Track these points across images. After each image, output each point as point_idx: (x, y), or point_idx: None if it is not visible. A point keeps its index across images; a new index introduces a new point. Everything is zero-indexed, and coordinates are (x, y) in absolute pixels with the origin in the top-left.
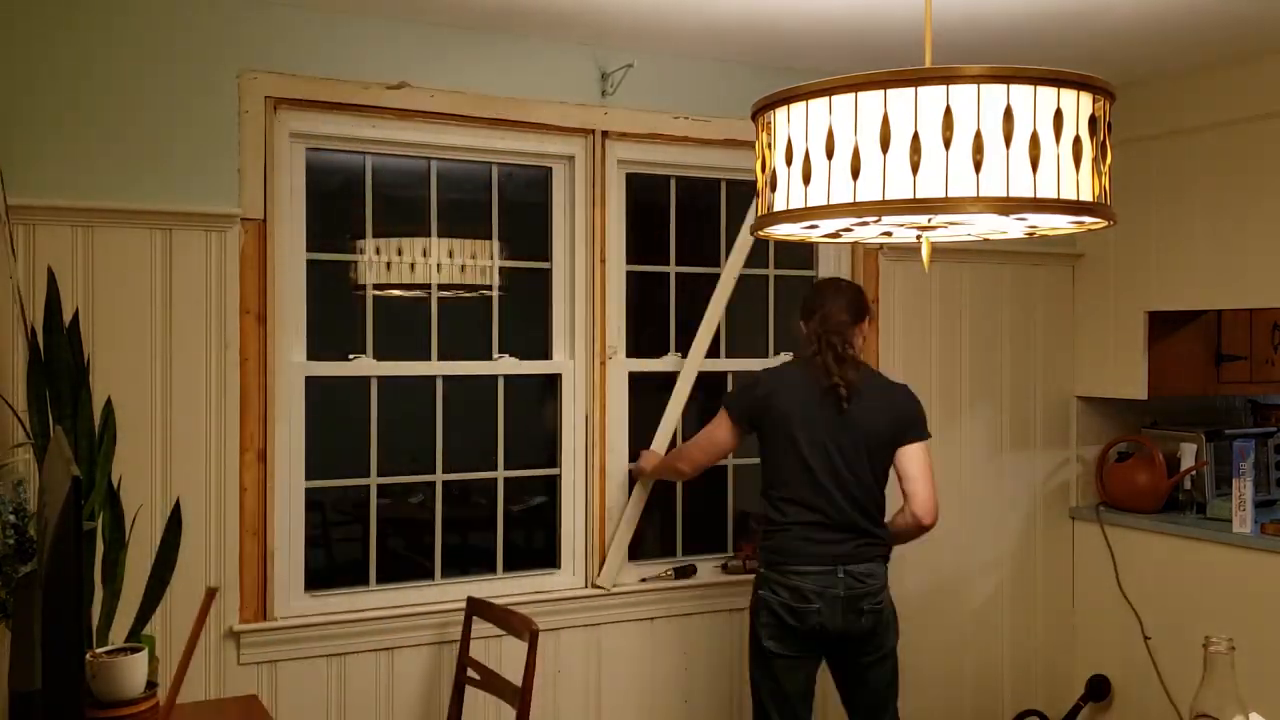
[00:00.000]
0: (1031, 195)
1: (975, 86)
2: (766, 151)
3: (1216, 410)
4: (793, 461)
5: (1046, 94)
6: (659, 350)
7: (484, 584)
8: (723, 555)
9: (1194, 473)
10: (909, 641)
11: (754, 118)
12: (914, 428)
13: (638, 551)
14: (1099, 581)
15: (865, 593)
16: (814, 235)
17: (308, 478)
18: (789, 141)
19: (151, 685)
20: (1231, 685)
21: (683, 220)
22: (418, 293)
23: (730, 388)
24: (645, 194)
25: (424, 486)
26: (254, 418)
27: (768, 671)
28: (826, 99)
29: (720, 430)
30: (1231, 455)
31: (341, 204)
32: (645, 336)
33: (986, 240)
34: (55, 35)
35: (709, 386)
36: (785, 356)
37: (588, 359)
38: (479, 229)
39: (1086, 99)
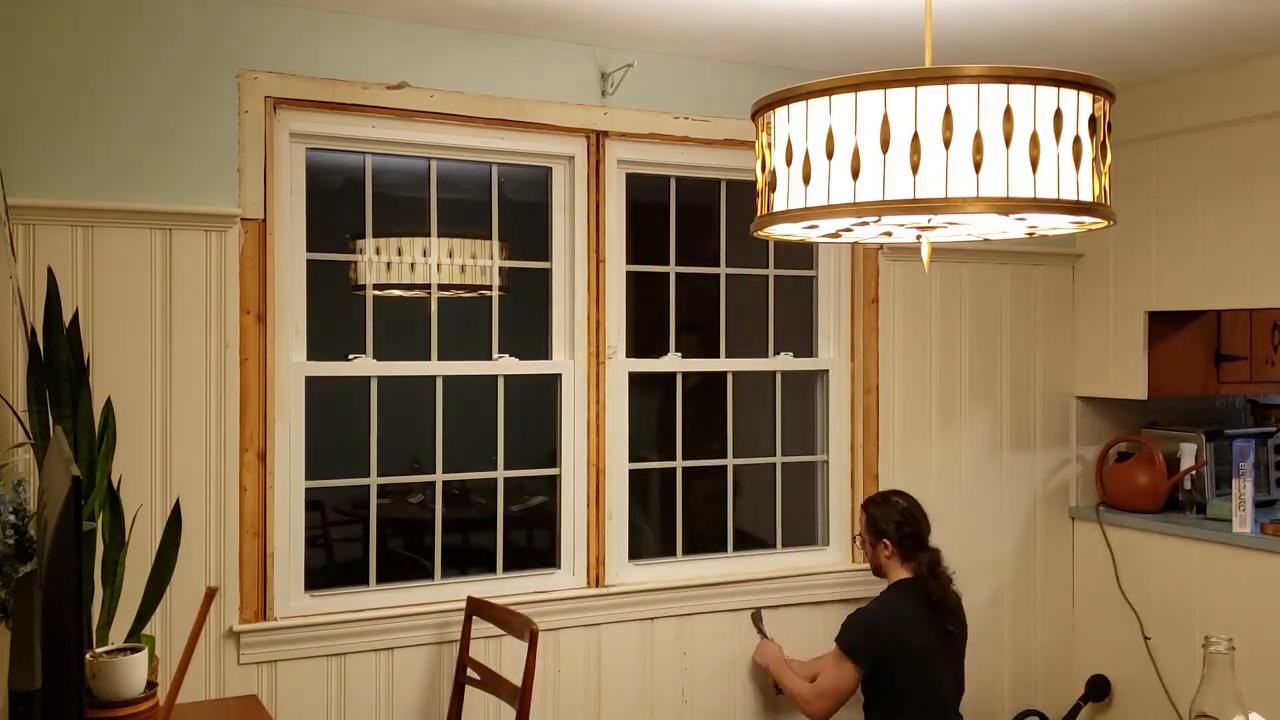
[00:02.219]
0: (1031, 195)
1: (975, 86)
2: (766, 151)
3: (1216, 410)
4: None
5: (1046, 94)
6: (659, 350)
7: (484, 584)
8: (723, 555)
9: (1194, 473)
10: None
11: (754, 118)
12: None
13: (638, 551)
14: (1099, 581)
15: None
16: (814, 235)
17: (308, 478)
18: (789, 141)
19: (151, 685)
20: (1231, 685)
21: (683, 220)
22: (418, 293)
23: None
24: (645, 194)
25: (424, 486)
26: (254, 418)
27: None
28: (826, 99)
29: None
30: (1231, 455)
31: (341, 204)
32: (645, 336)
33: (986, 240)
34: (55, 35)
35: (707, 387)
36: (786, 356)
37: (588, 359)
38: (479, 229)
39: (1086, 99)
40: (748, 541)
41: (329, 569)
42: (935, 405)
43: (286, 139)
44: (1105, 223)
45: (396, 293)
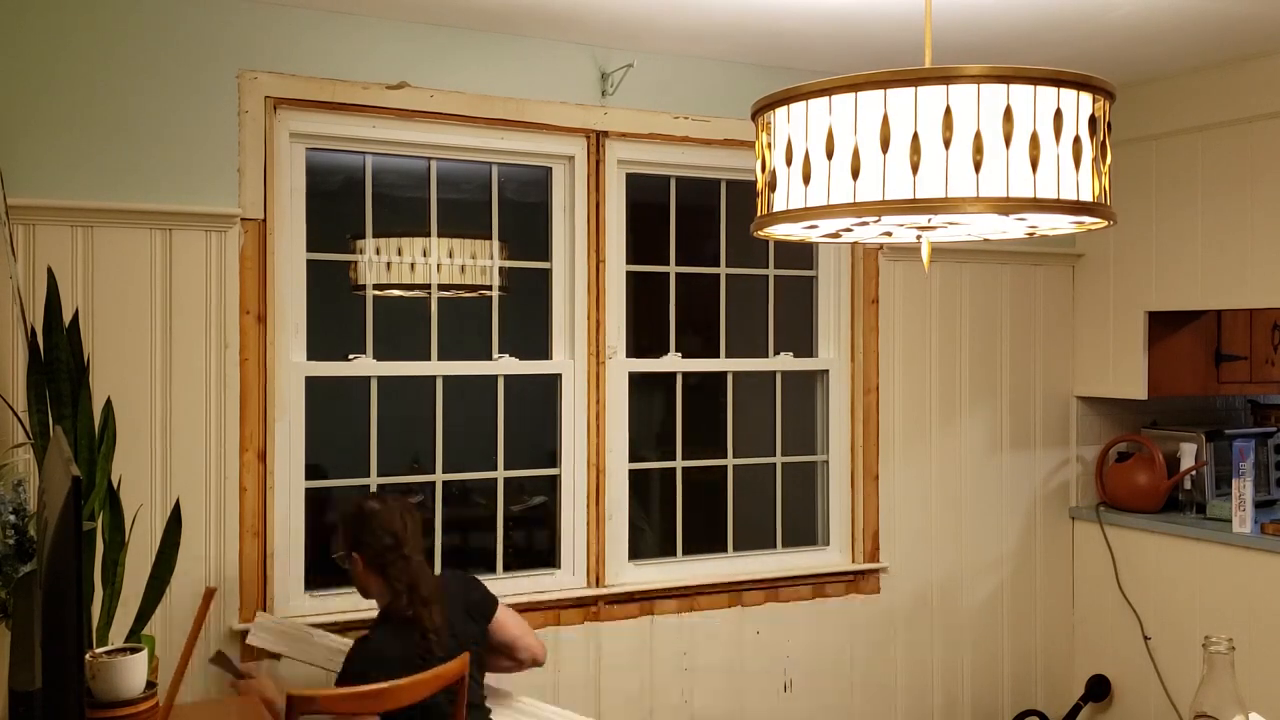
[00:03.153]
0: (1031, 195)
1: (975, 86)
2: (766, 151)
3: (1216, 410)
4: None
5: (1046, 94)
6: (659, 350)
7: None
8: (723, 555)
9: (1194, 473)
10: (910, 640)
11: (754, 118)
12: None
13: (638, 551)
14: (1099, 581)
15: None
16: (814, 235)
17: (308, 478)
18: (789, 141)
19: (151, 685)
20: (1231, 685)
21: (682, 220)
22: (418, 293)
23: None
24: (645, 194)
25: (424, 486)
26: (254, 418)
27: None
28: (826, 99)
29: None
30: (1231, 455)
31: (341, 204)
32: (645, 336)
33: (986, 240)
34: (56, 36)
35: (705, 387)
36: (786, 356)
37: (588, 359)
38: (479, 229)
39: (1086, 99)
40: (748, 541)
41: (329, 569)
42: (935, 405)
43: (286, 139)
44: (1105, 223)
45: (396, 293)
